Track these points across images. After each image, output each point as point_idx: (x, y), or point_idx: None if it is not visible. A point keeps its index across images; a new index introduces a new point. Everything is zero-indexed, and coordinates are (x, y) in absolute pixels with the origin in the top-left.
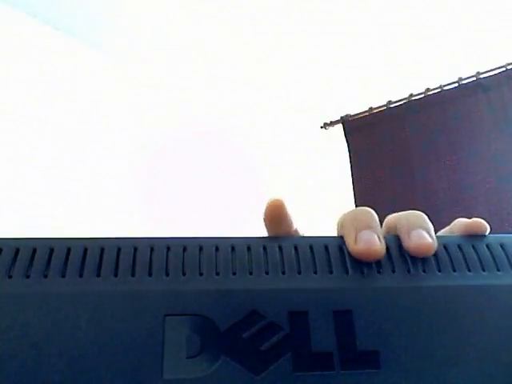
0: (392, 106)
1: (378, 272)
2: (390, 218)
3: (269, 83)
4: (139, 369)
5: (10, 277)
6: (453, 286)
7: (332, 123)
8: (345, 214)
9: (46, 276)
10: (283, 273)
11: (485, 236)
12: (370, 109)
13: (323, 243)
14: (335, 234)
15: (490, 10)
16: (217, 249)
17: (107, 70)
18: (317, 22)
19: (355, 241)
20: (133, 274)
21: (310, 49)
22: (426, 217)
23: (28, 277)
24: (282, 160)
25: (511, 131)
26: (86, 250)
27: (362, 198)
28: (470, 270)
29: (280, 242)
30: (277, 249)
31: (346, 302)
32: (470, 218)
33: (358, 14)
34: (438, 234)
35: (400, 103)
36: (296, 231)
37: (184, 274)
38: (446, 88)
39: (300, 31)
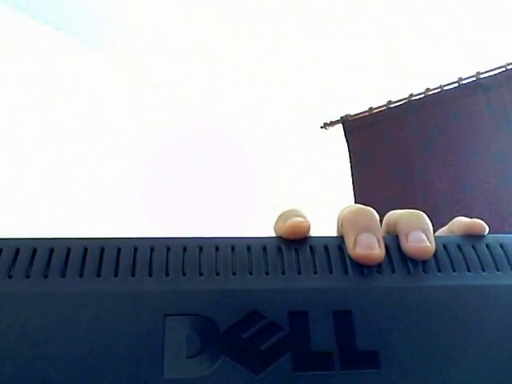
0: (392, 106)
1: (378, 272)
2: (391, 215)
3: (269, 83)
4: (139, 368)
5: (11, 277)
6: (452, 286)
7: (332, 123)
8: (345, 211)
9: (46, 276)
10: (283, 273)
11: (484, 236)
12: (370, 109)
13: (323, 243)
14: (335, 234)
15: (490, 9)
16: (217, 249)
17: (107, 70)
18: (317, 22)
19: (354, 244)
20: (133, 274)
21: (310, 49)
22: (425, 217)
23: (28, 277)
24: (282, 160)
25: (511, 131)
26: (86, 250)
27: (362, 198)
28: (469, 270)
29: (280, 242)
30: (277, 249)
31: (345, 302)
32: (469, 218)
33: (358, 14)
34: (437, 233)
35: (400, 103)
36: None
37: (184, 274)
38: (445, 88)
39: (300, 31)
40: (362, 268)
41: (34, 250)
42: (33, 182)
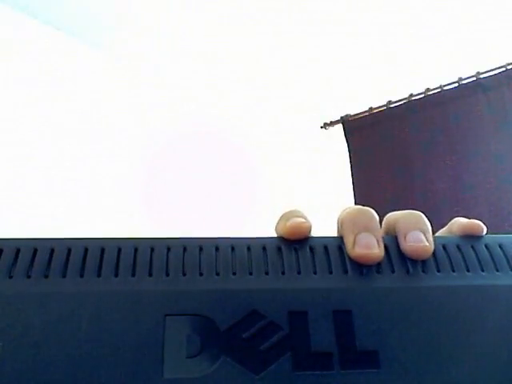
0: (392, 105)
1: (378, 272)
2: (390, 216)
3: (269, 83)
4: (139, 368)
5: (11, 277)
6: (452, 286)
7: (332, 123)
8: (344, 212)
9: (46, 276)
10: (283, 273)
11: (483, 236)
12: (370, 109)
13: (323, 243)
14: (335, 234)
15: (490, 9)
16: (217, 249)
17: (107, 70)
18: (317, 22)
19: (354, 244)
20: (133, 274)
21: (310, 49)
22: (424, 217)
23: (29, 277)
24: (282, 160)
25: (511, 131)
26: (86, 250)
27: (361, 198)
28: (468, 271)
29: (280, 242)
30: (276, 249)
31: (345, 302)
32: (469, 218)
33: (358, 14)
34: (437, 234)
35: (400, 103)
36: None
37: (184, 274)
38: (445, 88)
39: (300, 31)
40: (362, 268)
41: (35, 250)
42: (33, 181)
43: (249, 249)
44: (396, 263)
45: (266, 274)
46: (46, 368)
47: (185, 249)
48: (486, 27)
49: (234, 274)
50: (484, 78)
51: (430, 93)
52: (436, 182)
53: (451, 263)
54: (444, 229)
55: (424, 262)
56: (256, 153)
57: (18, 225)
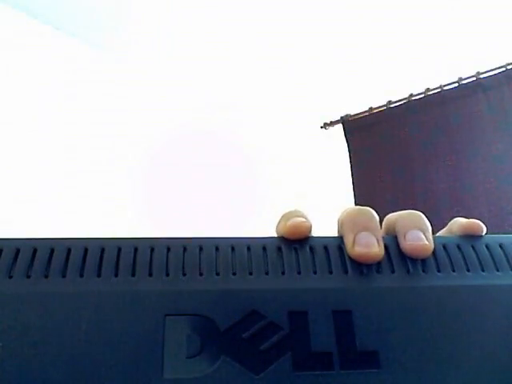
0: (392, 105)
1: (378, 272)
2: (390, 217)
3: (269, 83)
4: (139, 368)
5: (11, 277)
6: (452, 286)
7: (332, 123)
8: (345, 213)
9: (46, 276)
10: (283, 273)
11: (484, 236)
12: (370, 109)
13: (323, 243)
14: (335, 234)
15: (490, 10)
16: (217, 249)
17: (107, 69)
18: (317, 22)
19: (353, 243)
20: (133, 274)
21: (310, 49)
22: (423, 217)
23: (29, 277)
24: (282, 160)
25: (511, 131)
26: (86, 250)
27: (361, 198)
28: (469, 270)
29: (280, 242)
30: (276, 249)
31: (345, 302)
32: (469, 218)
33: (358, 14)
34: (437, 234)
35: (400, 103)
36: None
37: (184, 274)
38: (445, 88)
39: (300, 31)
40: (362, 268)
41: (35, 250)
42: (33, 182)
43: (249, 249)
44: (396, 263)
45: (266, 273)
46: (46, 368)
47: (185, 249)
48: (485, 27)
49: (234, 274)
50: (484, 77)
51: (430, 93)
52: (436, 182)
53: (451, 263)
54: (444, 229)
55: (424, 261)
56: (256, 153)
57: (18, 225)
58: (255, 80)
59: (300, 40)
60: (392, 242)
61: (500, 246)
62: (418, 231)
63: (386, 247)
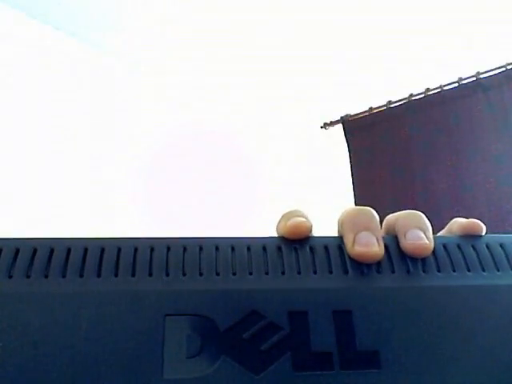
0: (392, 105)
1: (378, 272)
2: (390, 217)
3: (269, 83)
4: (139, 369)
5: (11, 277)
6: (453, 286)
7: (332, 123)
8: (345, 213)
9: (46, 276)
10: (283, 273)
11: (484, 236)
12: (370, 109)
13: (323, 243)
14: (336, 234)
15: (490, 10)
16: (217, 249)
17: (107, 69)
18: (317, 22)
19: (353, 243)
20: (133, 274)
21: (311, 49)
22: (423, 216)
23: (28, 277)
24: (282, 160)
25: (511, 131)
26: (86, 250)
27: (361, 198)
28: (469, 270)
29: (280, 242)
30: (277, 249)
31: (345, 302)
32: (469, 218)
33: (359, 14)
34: (438, 234)
35: (400, 103)
36: None
37: (184, 274)
38: (445, 88)
39: (300, 31)
40: (362, 268)
41: (34, 250)
42: (33, 182)
43: (249, 249)
44: (396, 263)
45: (266, 273)
46: (46, 368)
47: (185, 249)
48: (485, 27)
49: (234, 274)
50: (484, 77)
51: (430, 93)
52: (436, 182)
53: (452, 263)
54: (444, 229)
55: (424, 261)
56: (256, 153)
57: (18, 225)
58: (255, 80)
59: (300, 40)
60: (392, 241)
61: (501, 246)
62: (418, 230)
63: (386, 247)
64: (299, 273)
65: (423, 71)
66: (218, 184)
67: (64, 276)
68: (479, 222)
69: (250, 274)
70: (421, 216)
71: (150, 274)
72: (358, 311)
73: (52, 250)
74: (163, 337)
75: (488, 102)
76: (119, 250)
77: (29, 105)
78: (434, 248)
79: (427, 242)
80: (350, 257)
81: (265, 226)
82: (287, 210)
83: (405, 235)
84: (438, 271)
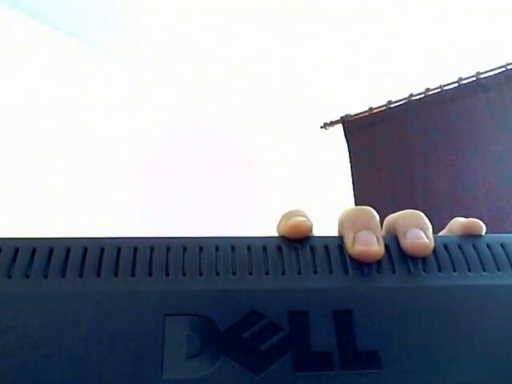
0: (392, 105)
1: (378, 272)
2: (390, 217)
3: (269, 83)
4: (139, 369)
5: (10, 277)
6: (453, 286)
7: (332, 123)
8: (345, 213)
9: (45, 276)
10: (283, 273)
11: (485, 236)
12: (370, 109)
13: (323, 243)
14: (336, 234)
15: (490, 10)
16: (217, 249)
17: (107, 69)
18: (317, 22)
19: (353, 242)
20: (133, 274)
21: (311, 49)
22: (424, 216)
23: (28, 277)
24: (282, 160)
25: (511, 131)
26: (85, 250)
27: (362, 198)
28: (470, 270)
29: (280, 241)
30: (277, 249)
31: (346, 302)
32: (468, 218)
33: (358, 14)
34: (438, 234)
35: (400, 103)
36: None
37: (184, 274)
38: (445, 88)
39: (300, 31)
40: (363, 268)
41: (34, 250)
42: (33, 182)
43: (249, 248)
44: (397, 263)
45: (266, 273)
46: (46, 368)
47: (185, 249)
48: (485, 27)
49: (234, 273)
50: (484, 77)
51: (430, 93)
52: (436, 182)
53: (452, 263)
54: (444, 229)
55: (425, 261)
56: (256, 153)
57: (18, 225)
58: (255, 80)
59: (300, 40)
60: (392, 241)
61: (501, 246)
62: (418, 230)
63: (386, 247)
64: (299, 273)
65: (423, 71)
66: (217, 184)
67: (63, 276)
68: (479, 221)
69: (250, 273)
70: (421, 215)
71: (150, 274)
72: (359, 311)
73: (51, 250)
74: (163, 337)
75: (488, 102)
76: (119, 249)
77: (29, 105)
78: (435, 248)
79: (427, 241)
80: (350, 256)
81: (265, 226)
82: (288, 210)
83: (405, 235)
84: (439, 271)
